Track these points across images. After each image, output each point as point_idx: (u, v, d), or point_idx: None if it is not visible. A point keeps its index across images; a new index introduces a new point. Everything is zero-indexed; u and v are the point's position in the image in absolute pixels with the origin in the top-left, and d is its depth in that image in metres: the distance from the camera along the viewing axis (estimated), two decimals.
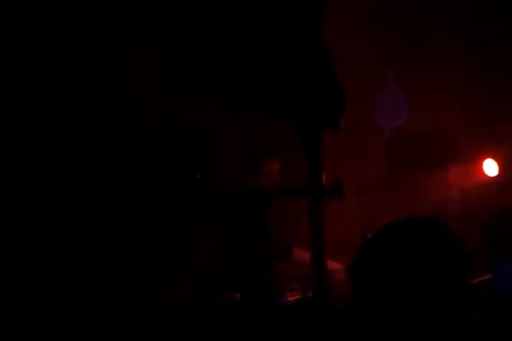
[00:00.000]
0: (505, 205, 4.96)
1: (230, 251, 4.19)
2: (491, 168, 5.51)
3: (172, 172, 3.93)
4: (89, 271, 3.69)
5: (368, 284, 2.05)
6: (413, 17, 5.66)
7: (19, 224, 3.61)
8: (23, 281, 3.55)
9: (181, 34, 3.15)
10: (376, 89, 5.68)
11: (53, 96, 3.76)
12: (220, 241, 4.16)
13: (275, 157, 4.61)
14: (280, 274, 4.19)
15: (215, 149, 4.16)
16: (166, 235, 3.92)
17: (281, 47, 3.01)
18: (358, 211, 5.50)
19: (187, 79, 3.27)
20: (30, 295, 3.56)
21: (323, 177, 2.83)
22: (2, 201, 3.60)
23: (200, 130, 4.08)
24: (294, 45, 3.01)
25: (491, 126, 5.51)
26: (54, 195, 3.68)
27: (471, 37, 5.69)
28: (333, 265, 4.01)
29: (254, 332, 3.35)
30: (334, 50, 2.97)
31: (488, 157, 5.51)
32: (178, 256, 3.97)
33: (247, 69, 3.08)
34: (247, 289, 3.77)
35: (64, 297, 3.59)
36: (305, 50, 3.00)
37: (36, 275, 3.59)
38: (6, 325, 3.42)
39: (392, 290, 2.00)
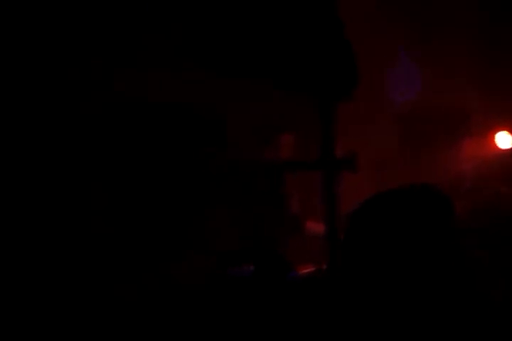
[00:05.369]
0: None
1: (243, 224, 4.20)
2: (504, 140, 5.49)
3: (181, 145, 3.92)
4: (99, 254, 3.71)
5: (359, 254, 2.03)
6: None
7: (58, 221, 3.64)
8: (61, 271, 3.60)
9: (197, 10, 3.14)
10: (389, 63, 5.65)
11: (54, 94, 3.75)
12: (232, 214, 4.17)
13: (289, 131, 4.60)
14: (293, 247, 4.20)
15: (225, 121, 4.14)
16: (178, 210, 3.92)
17: (296, 22, 3.00)
18: (372, 186, 5.49)
19: (197, 52, 3.27)
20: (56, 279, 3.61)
21: (338, 150, 2.83)
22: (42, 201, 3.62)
23: (208, 103, 4.07)
24: (309, 20, 3.00)
25: (504, 97, 5.47)
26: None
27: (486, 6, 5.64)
28: None
29: (267, 304, 3.36)
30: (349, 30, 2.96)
31: (501, 129, 5.49)
32: (190, 232, 3.98)
33: (263, 44, 3.07)
34: (260, 262, 3.78)
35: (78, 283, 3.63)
36: (320, 24, 2.99)
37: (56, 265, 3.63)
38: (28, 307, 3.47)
39: (385, 258, 1.98)
